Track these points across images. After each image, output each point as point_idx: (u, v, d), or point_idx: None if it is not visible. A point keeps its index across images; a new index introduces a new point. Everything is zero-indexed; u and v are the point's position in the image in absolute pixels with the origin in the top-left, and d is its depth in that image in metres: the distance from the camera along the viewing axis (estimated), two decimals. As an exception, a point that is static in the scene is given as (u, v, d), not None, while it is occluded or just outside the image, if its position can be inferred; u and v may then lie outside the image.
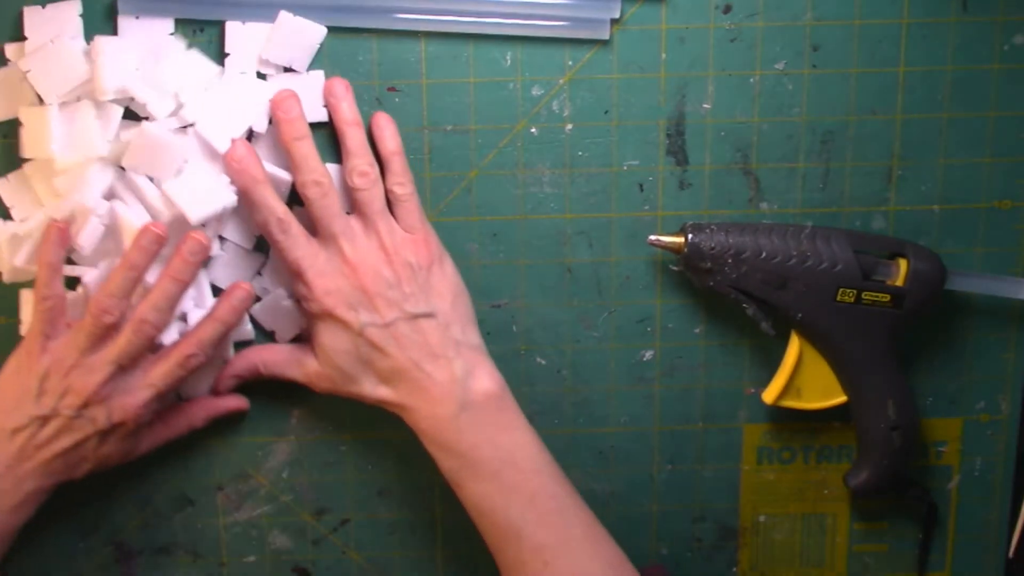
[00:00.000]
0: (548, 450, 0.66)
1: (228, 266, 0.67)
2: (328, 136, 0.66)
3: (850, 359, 0.67)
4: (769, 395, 0.69)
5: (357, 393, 0.65)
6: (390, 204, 0.65)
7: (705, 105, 0.67)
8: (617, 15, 0.65)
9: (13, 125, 0.65)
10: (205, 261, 0.64)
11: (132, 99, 0.63)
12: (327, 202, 0.63)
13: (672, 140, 0.67)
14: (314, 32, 0.65)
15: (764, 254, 0.65)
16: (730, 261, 0.65)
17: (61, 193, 0.63)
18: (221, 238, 0.66)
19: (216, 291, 0.67)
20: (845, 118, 0.67)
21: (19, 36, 0.64)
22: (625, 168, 0.68)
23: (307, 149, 0.63)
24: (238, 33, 0.64)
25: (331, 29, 0.65)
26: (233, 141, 0.63)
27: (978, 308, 0.70)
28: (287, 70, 0.65)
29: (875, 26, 0.66)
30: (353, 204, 0.64)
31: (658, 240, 0.66)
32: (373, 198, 0.64)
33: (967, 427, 0.72)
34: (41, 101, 0.63)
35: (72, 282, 0.64)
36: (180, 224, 0.63)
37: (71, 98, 0.63)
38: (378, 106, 0.66)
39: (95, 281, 0.63)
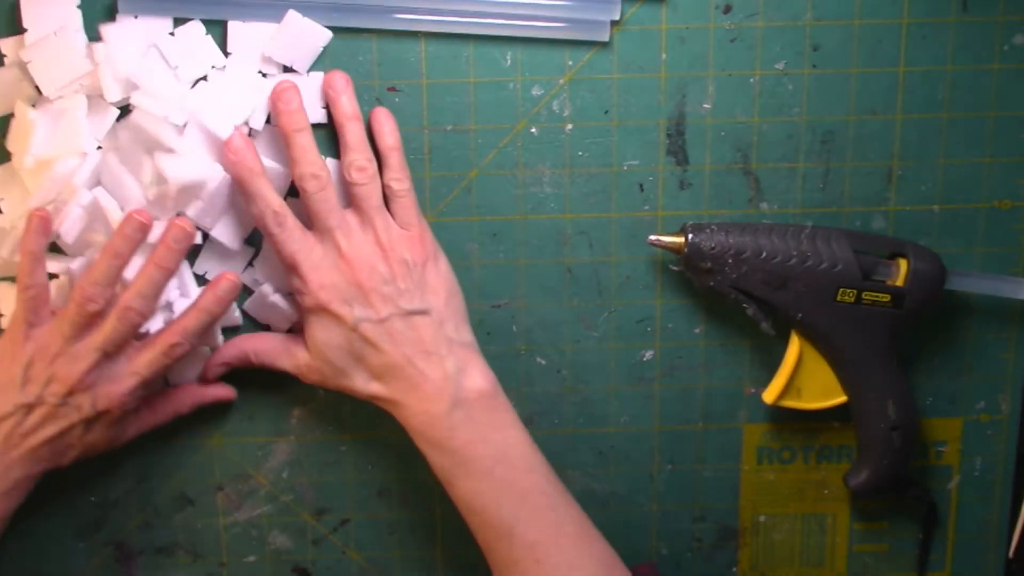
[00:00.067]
0: (539, 449, 0.65)
1: (218, 258, 0.67)
2: (326, 134, 0.66)
3: (850, 359, 0.67)
4: (769, 395, 0.69)
5: (348, 387, 0.65)
6: (386, 200, 0.65)
7: (705, 105, 0.67)
8: (617, 17, 0.65)
9: (7, 120, 0.65)
10: (190, 248, 0.63)
11: (131, 98, 0.64)
12: (324, 196, 0.63)
13: (672, 140, 0.67)
14: (319, 35, 0.65)
15: (764, 254, 0.65)
16: (730, 261, 0.65)
17: (46, 185, 0.63)
18: (204, 235, 0.66)
19: (203, 283, 0.67)
20: (845, 118, 0.67)
21: (14, 30, 0.64)
22: (625, 168, 0.68)
23: (306, 141, 0.63)
24: (240, 32, 0.64)
25: (331, 29, 0.65)
26: (231, 134, 0.63)
27: (978, 308, 0.70)
28: (287, 70, 0.65)
29: (875, 26, 0.66)
30: (350, 199, 0.64)
31: (658, 240, 0.66)
32: (370, 193, 0.64)
33: (967, 427, 0.72)
34: (40, 93, 0.63)
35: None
36: (165, 207, 0.63)
37: (71, 91, 0.63)
38: (378, 106, 0.66)
39: (80, 269, 0.64)
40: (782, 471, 0.73)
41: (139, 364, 0.63)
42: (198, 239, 0.65)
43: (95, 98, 0.63)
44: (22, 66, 0.63)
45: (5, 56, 0.64)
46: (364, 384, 0.64)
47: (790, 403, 0.69)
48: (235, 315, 0.68)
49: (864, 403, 0.68)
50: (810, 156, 0.68)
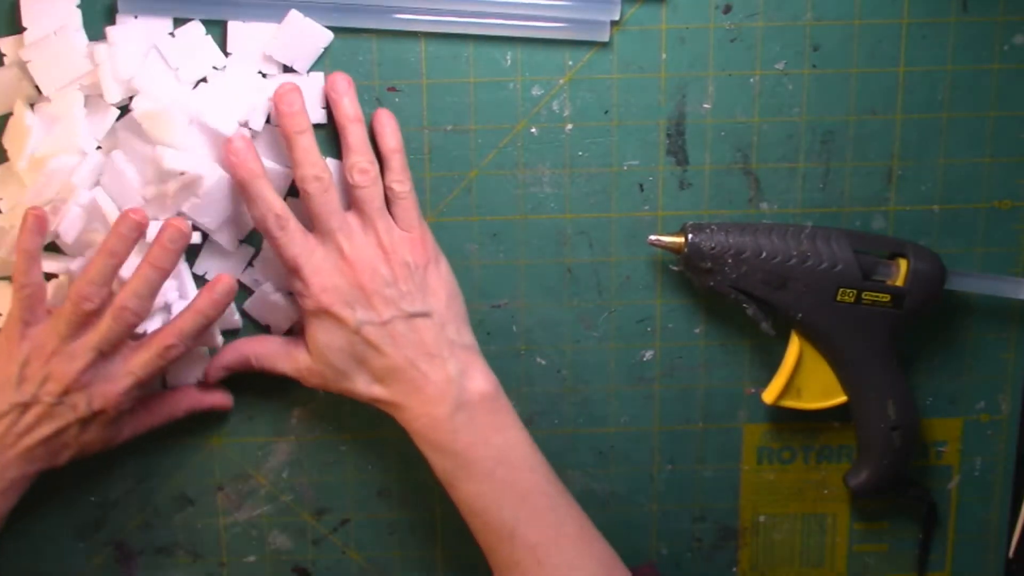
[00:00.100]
0: (540, 450, 0.65)
1: (217, 258, 0.67)
2: (327, 135, 0.66)
3: (850, 359, 0.67)
4: (769, 395, 0.69)
5: (349, 390, 0.65)
6: (387, 201, 0.65)
7: (705, 105, 0.67)
8: (617, 17, 0.65)
9: (6, 119, 0.65)
10: (186, 248, 0.63)
11: (132, 97, 0.64)
12: (327, 198, 0.63)
13: (672, 140, 0.67)
14: (320, 35, 0.65)
15: (764, 254, 0.65)
16: (730, 261, 0.65)
17: (44, 184, 0.63)
18: (204, 236, 0.66)
19: (203, 283, 0.67)
20: (845, 118, 0.67)
21: (13, 29, 0.64)
22: (625, 168, 0.68)
23: (308, 143, 0.63)
24: (240, 32, 0.64)
25: (331, 29, 0.65)
26: (231, 135, 0.63)
27: (978, 308, 0.70)
28: (288, 70, 0.65)
29: (875, 26, 0.66)
30: (351, 201, 0.64)
31: (658, 240, 0.66)
32: (372, 196, 0.63)
33: (967, 427, 0.72)
34: (39, 93, 0.63)
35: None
36: (165, 207, 0.64)
37: (70, 90, 0.63)
38: (378, 106, 0.66)
39: (79, 269, 0.64)
40: (782, 471, 0.73)
41: (135, 364, 0.63)
42: (197, 239, 0.65)
43: (94, 98, 0.63)
44: (22, 65, 0.63)
45: (5, 55, 0.64)
46: (366, 387, 0.64)
47: (790, 403, 0.69)
48: (235, 318, 0.68)
49: (864, 403, 0.68)
50: (810, 156, 0.68)
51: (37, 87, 0.63)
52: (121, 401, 0.63)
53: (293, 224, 0.63)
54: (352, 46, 0.66)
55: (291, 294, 0.67)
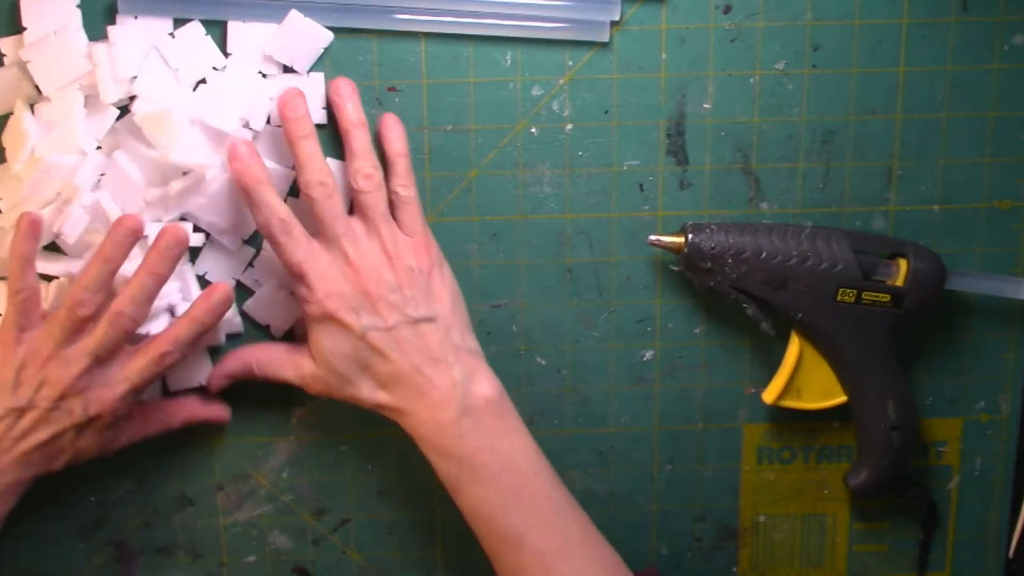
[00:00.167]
0: (544, 454, 0.65)
1: (218, 259, 0.67)
2: (327, 135, 0.66)
3: (850, 359, 0.67)
4: (769, 395, 0.69)
5: (353, 396, 0.65)
6: (391, 205, 0.65)
7: (705, 105, 0.67)
8: (617, 17, 0.65)
9: (7, 119, 0.65)
10: (183, 254, 0.63)
11: (132, 98, 0.64)
12: (331, 203, 0.63)
13: (672, 140, 0.67)
14: (320, 36, 0.65)
15: (764, 254, 0.65)
16: (730, 261, 0.65)
17: (44, 184, 0.63)
18: (207, 235, 0.66)
19: (205, 284, 0.67)
20: (845, 118, 0.67)
21: (13, 29, 0.64)
22: (625, 168, 0.68)
23: (312, 148, 0.63)
24: (240, 32, 0.64)
25: (331, 29, 0.65)
26: (235, 141, 0.63)
27: (978, 308, 0.70)
28: (288, 70, 0.65)
29: (875, 26, 0.66)
30: (355, 206, 0.64)
31: (658, 240, 0.66)
32: (377, 201, 0.63)
33: (967, 427, 0.72)
34: (40, 93, 0.63)
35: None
36: (167, 208, 0.64)
37: (70, 90, 0.63)
38: (378, 106, 0.66)
39: (81, 270, 0.64)
40: (782, 471, 0.73)
41: (130, 371, 0.62)
42: (199, 240, 0.65)
43: (94, 98, 0.63)
44: (22, 65, 0.63)
45: (5, 55, 0.64)
46: (370, 393, 0.64)
47: (790, 403, 0.69)
48: (236, 321, 0.68)
49: (864, 403, 0.68)
50: (810, 156, 0.68)
51: (37, 87, 0.63)
52: (117, 407, 0.62)
53: (297, 229, 0.63)
54: (352, 46, 0.66)
55: (292, 294, 0.67)
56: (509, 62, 0.66)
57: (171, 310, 0.66)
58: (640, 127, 0.67)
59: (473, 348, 0.65)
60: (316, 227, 0.63)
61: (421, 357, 0.63)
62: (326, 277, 0.63)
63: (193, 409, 0.68)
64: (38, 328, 0.62)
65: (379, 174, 0.64)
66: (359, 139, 0.64)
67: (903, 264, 0.66)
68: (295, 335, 0.69)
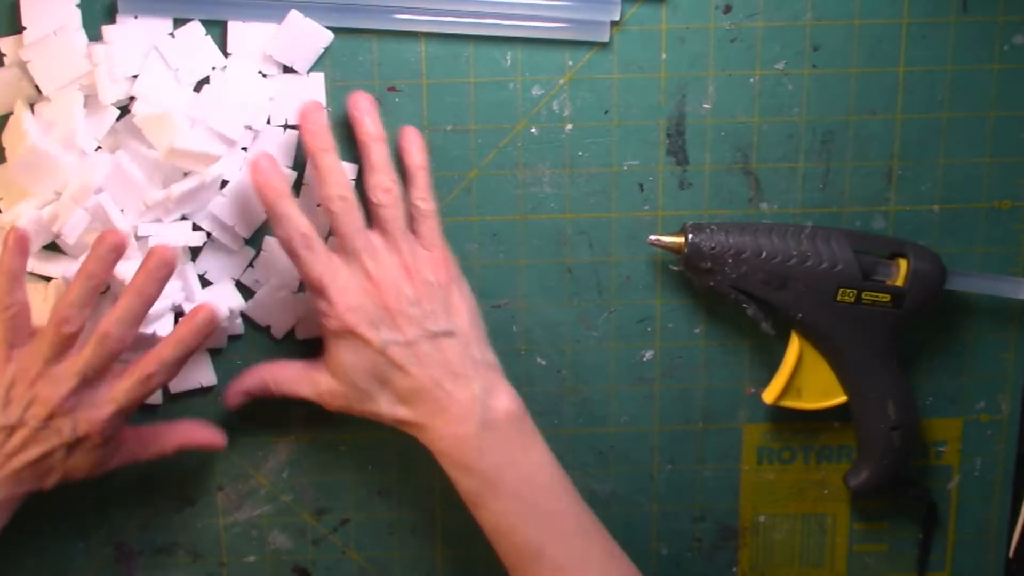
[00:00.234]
0: (563, 469, 0.65)
1: (219, 259, 0.67)
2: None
3: (850, 359, 0.67)
4: (769, 395, 0.69)
5: (372, 412, 0.64)
6: (410, 218, 0.64)
7: (705, 105, 0.67)
8: (617, 17, 0.65)
9: (7, 119, 0.65)
10: (171, 276, 0.62)
11: (132, 99, 0.64)
12: (351, 218, 0.62)
13: (672, 140, 0.67)
14: (320, 36, 0.65)
15: (764, 254, 0.65)
16: (730, 261, 0.65)
17: (43, 184, 0.63)
18: (208, 235, 0.66)
19: (206, 283, 0.67)
20: (845, 118, 0.67)
21: (13, 29, 0.64)
22: (625, 168, 0.68)
23: (332, 161, 0.63)
24: (240, 32, 0.64)
25: (331, 29, 0.65)
26: (256, 154, 0.63)
27: (978, 308, 0.70)
28: (288, 70, 0.65)
29: (875, 26, 0.66)
30: (374, 219, 0.64)
31: (658, 240, 0.66)
32: (396, 215, 0.63)
33: (967, 427, 0.72)
34: (39, 93, 0.63)
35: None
36: (167, 209, 0.64)
37: (70, 90, 0.63)
38: (378, 107, 0.66)
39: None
40: (782, 471, 0.73)
41: (117, 392, 0.62)
42: (199, 240, 0.65)
43: (95, 98, 0.63)
44: (22, 65, 0.63)
45: (5, 55, 0.64)
46: (389, 408, 0.64)
47: (790, 403, 0.69)
48: (236, 322, 0.68)
49: (864, 403, 0.68)
50: (810, 156, 0.68)
51: (37, 87, 0.63)
52: (106, 427, 0.62)
53: (318, 244, 0.62)
54: (352, 46, 0.66)
55: (292, 295, 0.67)
56: (509, 62, 0.66)
57: (175, 310, 0.66)
58: (640, 127, 0.67)
59: (492, 362, 0.65)
60: (336, 241, 0.63)
61: (441, 371, 0.63)
62: (346, 291, 0.62)
63: (188, 435, 0.67)
64: (27, 345, 0.61)
65: (398, 188, 0.63)
66: (378, 152, 0.63)
67: (903, 264, 0.66)
68: (296, 329, 0.69)
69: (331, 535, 0.73)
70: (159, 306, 0.64)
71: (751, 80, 0.67)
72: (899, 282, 0.66)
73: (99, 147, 0.64)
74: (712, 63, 0.67)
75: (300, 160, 0.67)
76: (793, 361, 0.68)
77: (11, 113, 0.65)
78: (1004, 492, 0.73)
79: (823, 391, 0.69)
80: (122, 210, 0.63)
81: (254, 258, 0.68)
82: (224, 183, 0.65)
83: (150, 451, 0.66)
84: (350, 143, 0.65)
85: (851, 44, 0.66)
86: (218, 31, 0.65)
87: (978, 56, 0.67)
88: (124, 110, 0.64)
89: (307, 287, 0.64)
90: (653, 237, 0.67)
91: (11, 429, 0.61)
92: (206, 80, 0.65)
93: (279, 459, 0.71)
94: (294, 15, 0.64)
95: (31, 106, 0.64)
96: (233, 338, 0.69)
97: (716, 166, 0.68)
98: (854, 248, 0.65)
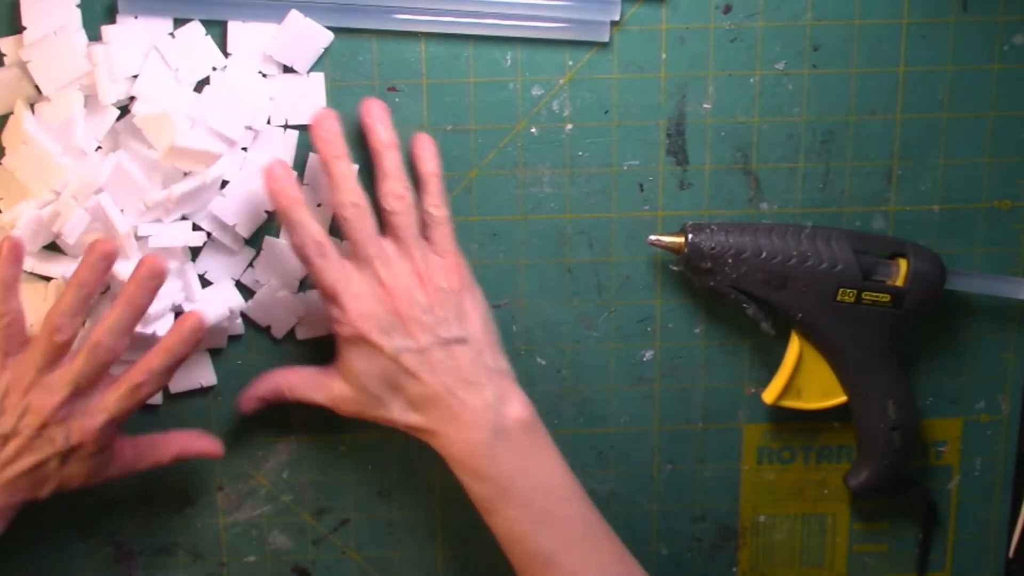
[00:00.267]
0: (575, 476, 0.65)
1: (219, 259, 0.67)
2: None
3: (850, 359, 0.67)
4: (769, 395, 0.69)
5: (385, 418, 0.64)
6: (423, 225, 0.64)
7: (705, 105, 0.67)
8: (617, 17, 0.65)
9: (7, 119, 0.65)
10: (161, 285, 0.62)
11: (132, 99, 0.64)
12: (364, 225, 0.62)
13: (672, 140, 0.67)
14: (321, 36, 0.65)
15: (764, 254, 0.65)
16: (730, 261, 0.65)
17: (43, 184, 0.63)
18: (208, 235, 0.66)
19: (206, 283, 0.67)
20: (845, 118, 0.67)
21: (13, 29, 0.64)
22: (625, 168, 0.68)
23: (346, 169, 0.63)
24: (240, 32, 0.65)
25: (331, 29, 0.65)
26: (271, 161, 0.63)
27: (978, 308, 0.70)
28: (288, 70, 0.65)
29: (875, 26, 0.66)
30: (387, 226, 0.64)
31: (658, 240, 0.66)
32: (409, 222, 0.63)
33: (967, 427, 0.72)
34: (39, 92, 0.63)
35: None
36: (167, 210, 0.64)
37: (70, 90, 0.63)
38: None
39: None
40: (782, 471, 0.73)
41: (108, 401, 0.62)
42: (200, 240, 0.65)
43: (95, 98, 0.63)
44: (22, 65, 0.63)
45: (5, 55, 0.64)
46: (402, 414, 0.64)
47: (790, 403, 0.69)
48: (237, 323, 0.68)
49: (864, 403, 0.68)
50: (810, 156, 0.68)
51: (37, 87, 0.63)
52: (98, 437, 0.62)
53: (332, 251, 0.63)
54: (352, 46, 0.66)
55: (292, 295, 0.67)
56: (509, 62, 0.66)
57: (175, 310, 0.66)
58: (640, 127, 0.67)
59: (504, 369, 0.65)
60: (349, 248, 0.63)
61: (453, 378, 0.63)
62: (358, 298, 0.62)
63: (184, 444, 0.67)
64: (21, 353, 0.61)
65: (411, 195, 0.64)
66: (391, 160, 0.63)
67: (903, 264, 0.66)
68: (296, 328, 0.69)
69: (331, 535, 0.73)
70: (159, 306, 0.64)
71: (751, 80, 0.67)
72: (899, 282, 0.66)
73: (99, 147, 0.64)
74: (712, 63, 0.67)
75: (300, 160, 0.67)
76: (793, 361, 0.68)
77: (11, 113, 0.65)
78: (1004, 492, 0.73)
79: (823, 391, 0.69)
80: (122, 210, 0.63)
81: (254, 258, 0.68)
82: (224, 183, 0.65)
83: (146, 461, 0.66)
84: (353, 146, 0.65)
85: (851, 44, 0.66)
86: (218, 31, 0.65)
87: (978, 56, 0.67)
88: (124, 110, 0.64)
89: (320, 293, 0.64)
90: (653, 237, 0.67)
91: (5, 438, 0.61)
92: (206, 80, 0.65)
93: (279, 459, 0.71)
94: (294, 15, 0.64)
95: (31, 106, 0.64)
96: (233, 338, 0.69)
97: (716, 166, 0.68)
98: (854, 248, 0.65)
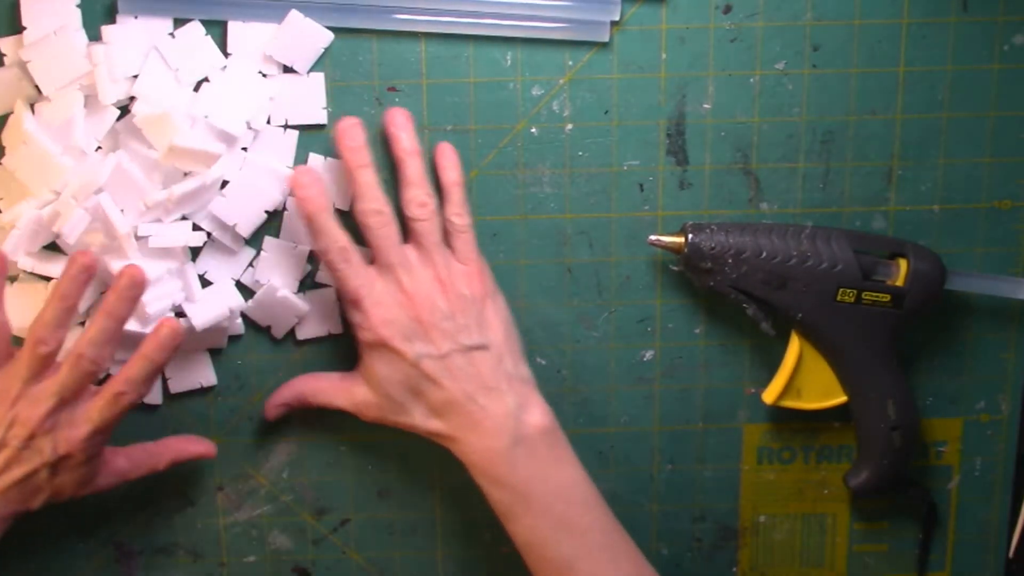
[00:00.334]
0: (594, 483, 0.66)
1: (219, 259, 0.67)
2: (328, 136, 0.66)
3: (850, 359, 0.67)
4: (769, 395, 0.69)
5: (407, 423, 0.65)
6: (445, 234, 0.65)
7: (705, 105, 0.67)
8: (617, 17, 0.65)
9: (7, 119, 0.65)
10: (141, 295, 0.62)
11: (132, 99, 0.64)
12: (387, 231, 0.63)
13: (672, 140, 0.67)
14: (321, 36, 0.65)
15: (764, 254, 0.65)
16: (730, 261, 0.65)
17: (44, 184, 0.63)
18: (208, 235, 0.66)
19: (206, 283, 0.67)
20: (845, 118, 0.67)
21: (14, 29, 0.64)
22: (625, 168, 0.68)
23: (370, 177, 0.63)
24: (240, 32, 0.64)
25: (331, 29, 0.65)
26: (299, 168, 0.63)
27: (978, 308, 0.70)
28: (288, 70, 0.65)
29: (875, 26, 0.66)
30: (410, 233, 0.64)
31: (658, 240, 0.66)
32: (431, 229, 0.64)
33: (967, 427, 0.72)
34: (39, 92, 0.63)
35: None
36: (167, 210, 0.64)
37: (70, 90, 0.63)
38: (378, 106, 0.66)
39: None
40: (782, 471, 0.73)
41: (91, 411, 0.62)
42: (200, 240, 0.65)
43: (95, 98, 0.63)
44: (22, 65, 0.63)
45: (5, 55, 0.64)
46: (423, 420, 0.64)
47: (790, 403, 0.69)
48: (237, 323, 0.68)
49: (864, 403, 0.68)
50: (810, 156, 0.68)
51: (37, 87, 0.63)
52: (85, 447, 0.62)
53: (356, 257, 0.63)
54: (352, 46, 0.66)
55: (292, 294, 0.67)
56: (509, 62, 0.66)
57: (176, 310, 0.66)
58: (640, 127, 0.67)
59: (526, 377, 0.65)
60: (372, 254, 0.64)
61: (474, 385, 0.63)
62: (381, 304, 0.63)
63: (179, 449, 0.67)
64: (7, 366, 0.62)
65: (433, 202, 0.64)
66: (414, 167, 0.64)
67: (903, 264, 0.66)
68: (297, 328, 0.69)
69: (331, 535, 0.73)
70: (159, 307, 0.64)
71: (751, 80, 0.67)
72: (899, 282, 0.66)
73: (99, 147, 0.64)
74: (712, 63, 0.67)
75: (300, 161, 0.67)
76: (793, 361, 0.68)
77: (11, 113, 0.65)
78: (1004, 492, 0.73)
79: (823, 391, 0.69)
80: (122, 210, 0.63)
81: (254, 258, 0.68)
82: (224, 183, 0.65)
83: (140, 470, 0.67)
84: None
85: (851, 44, 0.66)
86: (218, 31, 0.65)
87: (978, 56, 0.67)
88: (124, 110, 0.64)
89: (343, 299, 0.65)
90: (653, 237, 0.67)
91: None
92: (206, 80, 0.65)
93: (279, 459, 0.71)
94: (294, 15, 0.64)
95: (31, 106, 0.64)
96: (233, 338, 0.69)
97: (716, 166, 0.68)
98: (854, 248, 0.65)
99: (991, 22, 0.66)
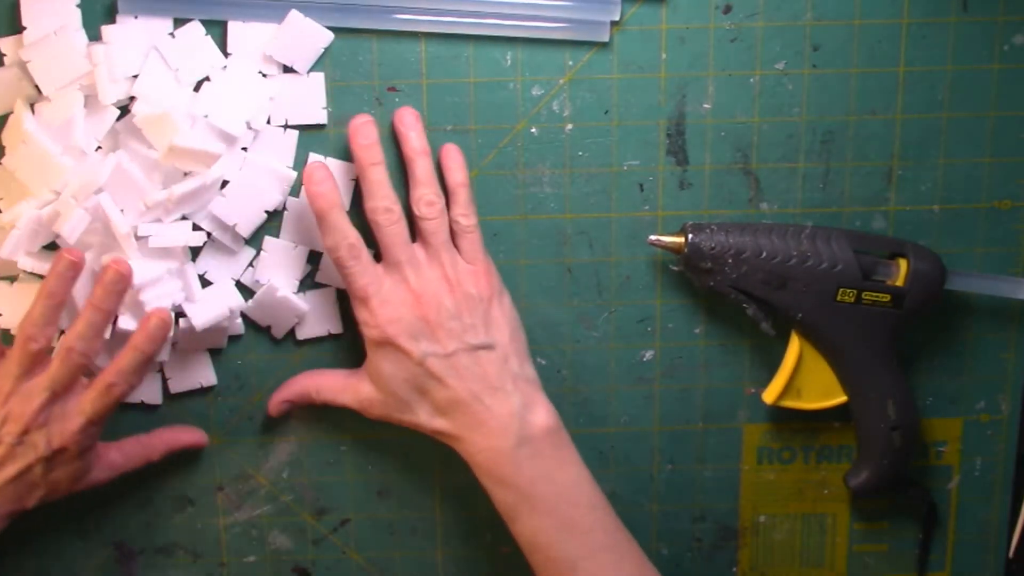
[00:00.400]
0: (598, 485, 0.66)
1: (219, 259, 0.67)
2: (330, 136, 0.66)
3: (850, 359, 0.67)
4: (769, 395, 0.69)
5: (412, 422, 0.65)
6: (452, 234, 0.65)
7: (705, 105, 0.67)
8: (617, 17, 0.65)
9: (7, 119, 0.65)
10: (127, 289, 0.62)
11: (132, 99, 0.64)
12: (396, 229, 0.63)
13: (672, 140, 0.67)
14: (321, 36, 0.65)
15: (764, 254, 0.65)
16: (730, 261, 0.65)
17: (44, 184, 0.63)
18: (208, 235, 0.66)
19: (206, 283, 0.67)
20: (845, 118, 0.67)
21: (14, 29, 0.64)
22: (625, 168, 0.68)
23: (381, 175, 0.63)
24: (240, 32, 0.64)
25: (331, 29, 0.65)
26: (311, 164, 0.64)
27: (978, 308, 0.70)
28: (288, 70, 0.65)
29: (875, 26, 0.66)
30: (417, 232, 0.64)
31: (658, 240, 0.66)
32: (438, 228, 0.64)
33: (967, 427, 0.72)
34: (39, 92, 0.63)
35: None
36: (167, 210, 0.63)
37: (70, 90, 0.63)
38: (378, 106, 0.66)
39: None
40: (782, 471, 0.73)
41: (84, 403, 0.62)
42: (200, 240, 0.65)
43: (94, 98, 0.63)
44: (22, 65, 0.63)
45: (5, 55, 0.64)
46: (428, 419, 0.64)
47: (790, 403, 0.69)
48: (237, 322, 0.68)
49: (864, 403, 0.68)
50: (810, 156, 0.68)
51: (37, 87, 0.63)
52: (79, 440, 0.62)
53: (365, 254, 0.63)
54: (352, 46, 0.66)
55: (292, 294, 0.67)
56: (509, 62, 0.66)
57: (175, 310, 0.66)
58: (640, 127, 0.67)
59: (531, 377, 0.66)
60: (380, 252, 0.64)
61: (479, 385, 0.63)
62: (387, 302, 0.63)
63: (171, 439, 0.68)
64: None
65: (441, 202, 0.64)
66: (422, 167, 0.64)
67: (903, 264, 0.66)
68: (297, 328, 0.69)
69: (331, 535, 0.73)
70: (159, 306, 0.64)
71: (751, 80, 0.67)
72: (899, 282, 0.66)
73: (99, 147, 0.64)
74: (712, 63, 0.67)
75: (300, 161, 0.67)
76: (793, 361, 0.68)
77: (11, 113, 0.65)
78: (1004, 492, 0.73)
79: (823, 391, 0.69)
80: (122, 210, 0.63)
81: (254, 258, 0.68)
82: (224, 183, 0.66)
83: (134, 462, 0.67)
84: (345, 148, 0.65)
85: (851, 44, 0.66)
86: (218, 31, 0.65)
87: (978, 56, 0.67)
88: (124, 110, 0.64)
89: (350, 296, 0.65)
90: (653, 237, 0.67)
91: None
92: (206, 80, 0.65)
93: (279, 459, 0.71)
94: (294, 15, 0.64)
95: (31, 106, 0.64)
96: (233, 338, 0.69)
97: (716, 166, 0.68)
98: (854, 248, 0.65)
99: (991, 22, 0.66)
